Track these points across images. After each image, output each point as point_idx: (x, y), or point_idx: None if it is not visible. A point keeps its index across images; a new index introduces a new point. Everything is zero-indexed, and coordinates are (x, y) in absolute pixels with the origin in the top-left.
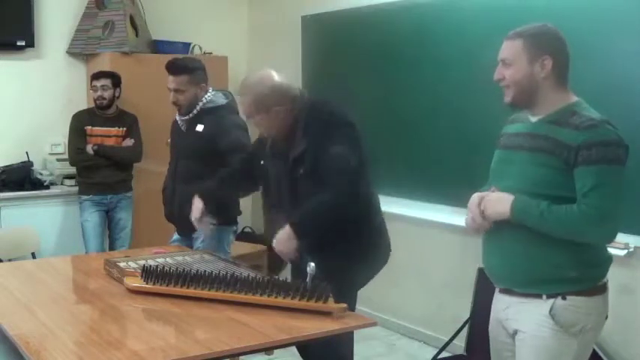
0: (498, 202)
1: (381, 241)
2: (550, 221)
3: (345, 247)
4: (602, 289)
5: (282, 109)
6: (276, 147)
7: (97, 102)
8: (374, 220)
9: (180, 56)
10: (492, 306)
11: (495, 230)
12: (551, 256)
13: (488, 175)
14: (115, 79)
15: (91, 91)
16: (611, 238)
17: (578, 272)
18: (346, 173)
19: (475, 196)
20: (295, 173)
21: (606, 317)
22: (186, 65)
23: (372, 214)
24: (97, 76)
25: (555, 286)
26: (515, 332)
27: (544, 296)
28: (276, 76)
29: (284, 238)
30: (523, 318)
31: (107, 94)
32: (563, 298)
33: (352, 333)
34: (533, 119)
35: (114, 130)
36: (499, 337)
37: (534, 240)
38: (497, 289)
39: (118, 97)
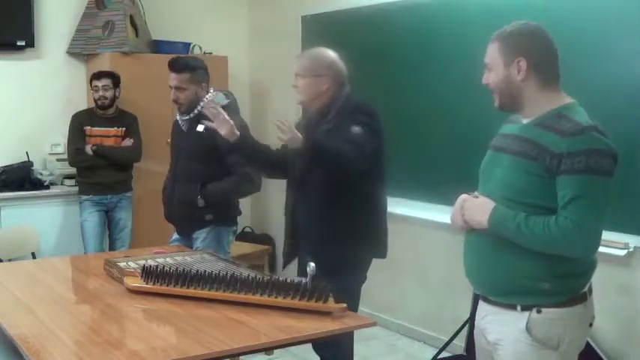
0: (478, 210)
1: (374, 235)
2: (527, 234)
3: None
4: (582, 298)
5: (330, 82)
6: (310, 121)
7: (99, 102)
8: (372, 215)
9: (182, 55)
10: (477, 311)
11: (474, 234)
12: (524, 267)
13: None
14: (115, 79)
15: (92, 91)
16: (590, 253)
17: (553, 284)
18: (360, 147)
19: (460, 198)
20: None
21: (591, 325)
22: (188, 63)
23: (373, 209)
24: (98, 76)
25: (529, 297)
26: (493, 343)
27: (518, 307)
28: (339, 59)
29: (297, 133)
30: (500, 331)
31: (109, 93)
32: (538, 312)
33: (352, 333)
34: (524, 121)
35: (113, 130)
36: (481, 344)
37: (508, 249)
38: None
39: (117, 97)
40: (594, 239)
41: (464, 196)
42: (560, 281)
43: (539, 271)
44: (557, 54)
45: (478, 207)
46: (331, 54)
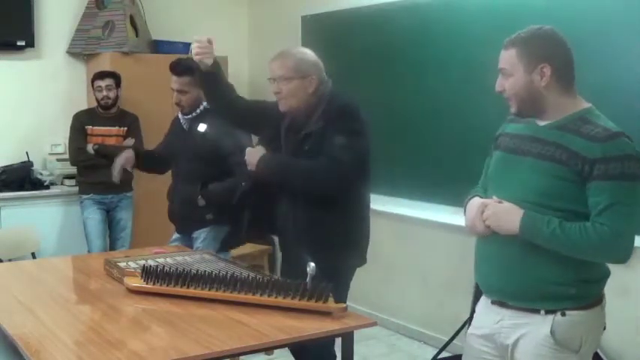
0: (505, 215)
1: (360, 235)
2: (562, 240)
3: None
4: (600, 300)
5: (316, 81)
6: (294, 123)
7: (102, 102)
8: (359, 211)
9: (184, 56)
10: (478, 317)
11: (494, 240)
12: (552, 273)
13: (482, 174)
14: (117, 79)
15: (94, 91)
16: (626, 259)
17: (578, 289)
18: (339, 163)
19: (477, 202)
20: (302, 147)
21: (604, 328)
22: (190, 66)
23: (359, 208)
24: (101, 76)
25: (554, 302)
26: (512, 346)
27: (542, 311)
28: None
29: (256, 151)
30: (520, 335)
31: (112, 93)
32: (563, 314)
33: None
34: (541, 123)
35: (115, 130)
36: (484, 348)
37: (536, 255)
38: (487, 301)
39: (119, 97)
40: (631, 245)
41: (482, 200)
42: (586, 286)
43: (568, 276)
44: (573, 58)
45: (505, 212)
46: (309, 51)
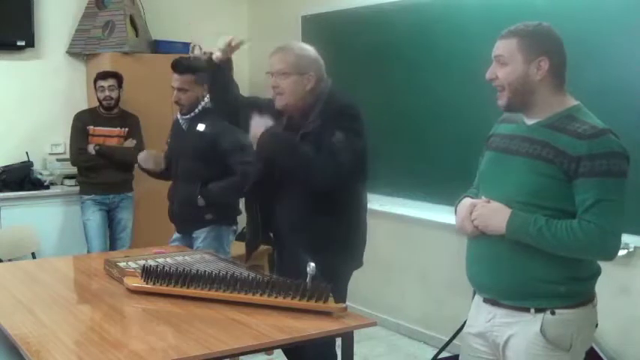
0: (493, 215)
1: (356, 238)
2: (549, 239)
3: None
4: (591, 299)
5: (315, 79)
6: (291, 123)
7: (105, 102)
8: (356, 213)
9: (186, 55)
10: (472, 315)
11: (484, 240)
12: (542, 271)
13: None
14: (119, 80)
15: (97, 91)
16: (613, 256)
17: (568, 287)
18: (336, 160)
19: (466, 203)
20: None
21: (596, 326)
22: (191, 65)
23: (356, 211)
24: (104, 76)
25: (544, 300)
26: (501, 346)
27: (532, 310)
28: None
29: (262, 122)
30: (511, 334)
31: (114, 94)
32: (552, 313)
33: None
34: (529, 122)
35: (116, 131)
36: (479, 347)
37: (525, 253)
38: (479, 299)
39: (120, 98)
40: (618, 242)
41: (471, 200)
42: (576, 284)
43: (557, 274)
44: (567, 58)
45: (493, 212)
46: (310, 47)
